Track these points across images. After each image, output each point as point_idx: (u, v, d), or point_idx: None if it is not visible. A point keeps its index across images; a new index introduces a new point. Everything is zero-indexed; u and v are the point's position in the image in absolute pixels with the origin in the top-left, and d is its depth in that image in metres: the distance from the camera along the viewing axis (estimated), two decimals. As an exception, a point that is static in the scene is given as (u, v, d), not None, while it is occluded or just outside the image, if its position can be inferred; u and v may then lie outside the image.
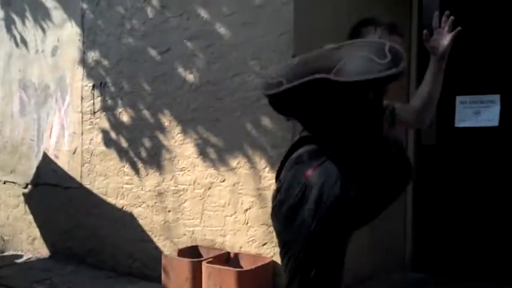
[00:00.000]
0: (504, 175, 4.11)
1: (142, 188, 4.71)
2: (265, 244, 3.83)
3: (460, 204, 4.29)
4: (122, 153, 4.90)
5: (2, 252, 6.21)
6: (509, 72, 4.10)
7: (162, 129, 4.53)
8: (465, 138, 4.21)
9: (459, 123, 4.13)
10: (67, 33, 5.45)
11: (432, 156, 4.39)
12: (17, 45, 6.14)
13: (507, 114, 3.99)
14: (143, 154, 4.71)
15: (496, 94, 4.02)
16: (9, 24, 6.26)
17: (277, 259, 3.74)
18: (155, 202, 4.58)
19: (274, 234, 3.73)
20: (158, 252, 4.47)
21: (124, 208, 4.88)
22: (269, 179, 3.79)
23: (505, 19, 4.17)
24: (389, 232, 4.38)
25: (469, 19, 4.29)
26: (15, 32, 6.17)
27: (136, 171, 4.78)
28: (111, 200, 5.00)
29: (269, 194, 3.79)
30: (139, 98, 4.74)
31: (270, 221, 3.73)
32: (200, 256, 4.12)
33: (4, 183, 6.34)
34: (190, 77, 4.32)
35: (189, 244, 4.26)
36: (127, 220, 4.84)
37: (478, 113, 4.02)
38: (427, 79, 2.47)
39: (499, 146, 4.12)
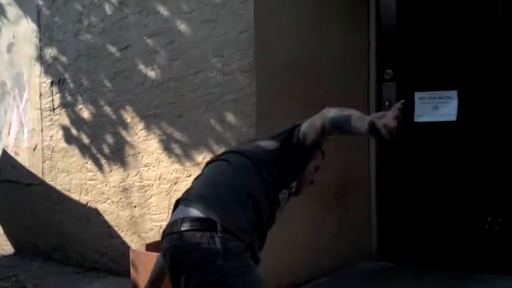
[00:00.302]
0: (462, 166, 4.23)
1: (106, 184, 4.67)
2: (232, 237, 3.87)
3: (422, 196, 4.39)
4: (84, 150, 4.83)
5: (-36, 250, 6.08)
6: (466, 68, 4.20)
7: (124, 125, 4.49)
8: (424, 133, 4.31)
9: (418, 118, 4.23)
10: (23, 30, 5.30)
11: (393, 149, 4.49)
12: (-31, 41, 5.94)
13: (464, 109, 4.10)
14: (106, 150, 4.66)
15: (454, 90, 4.11)
16: (-40, 20, 6.04)
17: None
18: (120, 198, 4.56)
19: (241, 227, 3.82)
20: (125, 247, 4.46)
21: (88, 204, 4.83)
22: (234, 174, 3.83)
23: (461, 15, 4.25)
24: (354, 224, 4.47)
25: (426, 16, 4.41)
26: (-33, 27, 5.96)
27: (99, 167, 4.73)
28: (74, 196, 4.94)
29: (235, 188, 3.83)
30: (100, 95, 4.67)
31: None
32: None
33: (-38, 180, 6.17)
34: (151, 73, 4.28)
35: (157, 239, 4.24)
36: (92, 216, 4.80)
37: (436, 108, 4.14)
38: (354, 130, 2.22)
39: (457, 139, 4.23)
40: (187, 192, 2.30)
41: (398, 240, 4.51)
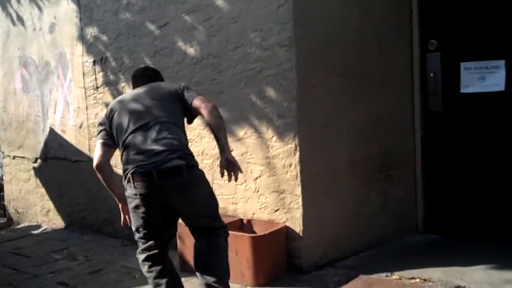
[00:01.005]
0: (510, 137, 4.03)
1: (150, 160, 4.65)
2: (277, 210, 3.81)
3: (468, 168, 4.20)
4: (128, 127, 4.80)
5: (18, 224, 6.20)
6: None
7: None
8: (471, 103, 4.11)
9: (464, 89, 4.03)
10: (63, 10, 5.26)
11: (439, 122, 4.29)
12: (13, 23, 5.94)
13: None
14: (149, 126, 4.62)
15: (501, 59, 3.89)
16: (4, 3, 6.03)
17: (290, 224, 3.74)
18: (165, 173, 4.53)
19: (285, 200, 3.75)
20: (171, 220, 4.45)
21: (134, 179, 4.83)
22: (277, 148, 3.74)
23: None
24: (400, 197, 4.34)
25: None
26: (10, 10, 5.96)
27: (143, 143, 4.70)
28: (120, 172, 4.92)
29: (277, 162, 3.75)
30: (141, 72, 4.61)
31: (280, 188, 3.75)
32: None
33: (14, 158, 6.26)
34: (190, 50, 4.19)
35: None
36: (138, 190, 4.79)
37: (483, 78, 3.93)
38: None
39: (505, 110, 4.01)
40: None
41: (444, 212, 4.35)
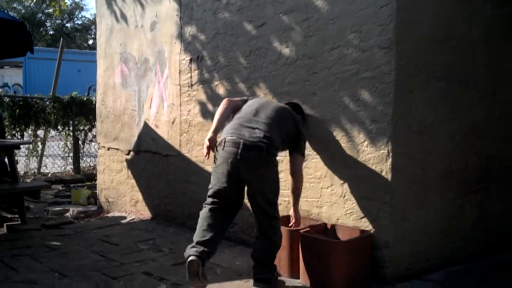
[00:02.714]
0: None
1: (238, 158, 4.62)
2: (363, 217, 3.64)
3: None
4: (219, 124, 4.81)
5: (107, 213, 6.38)
6: None
7: (257, 101, 4.39)
8: None
9: None
10: (164, 9, 5.37)
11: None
12: (117, 20, 6.15)
13: None
14: (239, 125, 4.60)
15: None
16: (109, 0, 6.26)
17: (376, 233, 3.56)
18: (251, 172, 4.48)
19: (373, 207, 3.58)
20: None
21: (221, 177, 4.82)
22: (368, 153, 3.58)
23: None
24: (496, 211, 4.07)
25: None
26: (115, 7, 6.17)
27: (232, 141, 4.69)
28: (208, 168, 4.94)
29: (367, 168, 3.59)
30: (235, 72, 4.61)
31: (369, 195, 3.58)
32: (297, 225, 4.00)
33: (108, 149, 6.47)
34: (286, 51, 4.13)
35: (285, 214, 4.15)
36: (224, 187, 4.78)
37: None
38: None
39: None
40: None
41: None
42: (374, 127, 3.54)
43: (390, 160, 3.47)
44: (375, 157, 3.54)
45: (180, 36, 5.18)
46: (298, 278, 3.70)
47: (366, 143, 3.60)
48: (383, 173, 3.50)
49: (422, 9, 3.55)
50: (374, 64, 3.51)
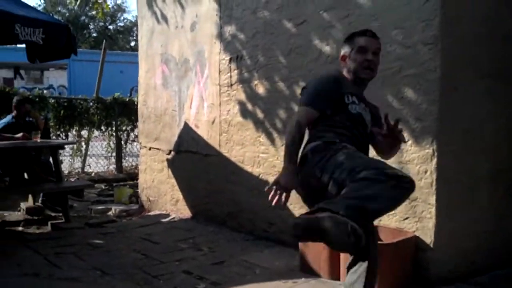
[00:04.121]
0: None
1: (277, 158, 4.58)
2: (406, 218, 3.54)
3: None
4: (258, 124, 4.78)
5: (149, 212, 6.44)
6: None
7: (297, 100, 4.32)
8: None
9: None
10: (204, 9, 5.37)
11: None
12: (158, 21, 6.20)
13: None
14: (279, 125, 4.55)
15: None
16: (150, 1, 6.32)
17: (420, 234, 3.46)
18: (291, 172, 4.43)
19: (416, 208, 3.47)
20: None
21: (260, 176, 4.79)
22: (412, 153, 3.48)
23: None
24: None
25: None
26: (156, 9, 6.22)
27: (272, 141, 4.65)
28: (247, 168, 4.93)
29: (411, 168, 3.49)
30: (275, 71, 4.56)
31: (413, 195, 3.45)
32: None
33: (150, 149, 6.52)
34: (326, 49, 4.06)
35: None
36: (262, 187, 4.67)
37: None
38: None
39: None
40: None
41: None
42: (418, 125, 3.44)
43: (435, 159, 3.36)
44: (420, 156, 3.44)
45: (220, 36, 5.17)
46: (339, 279, 3.63)
47: (410, 142, 3.50)
48: (428, 173, 3.39)
49: (467, 5, 3.43)
50: (418, 61, 3.40)
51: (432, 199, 3.38)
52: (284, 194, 2.50)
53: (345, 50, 2.77)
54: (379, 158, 2.83)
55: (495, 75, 3.57)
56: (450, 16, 3.32)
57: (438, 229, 3.39)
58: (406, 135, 3.49)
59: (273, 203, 2.49)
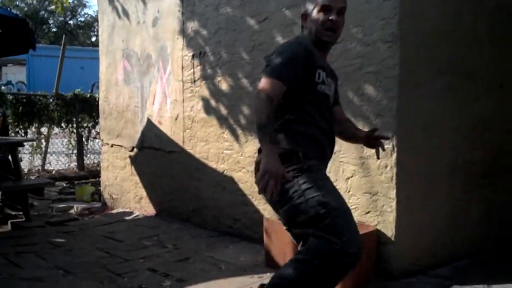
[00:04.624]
0: None
1: (241, 154, 4.58)
2: (368, 212, 3.60)
3: None
4: (222, 120, 4.77)
5: (112, 209, 6.36)
6: None
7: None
8: None
9: None
10: (166, 4, 5.32)
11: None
12: (119, 16, 6.11)
13: None
14: (243, 121, 4.56)
15: None
16: (111, -4, 6.22)
17: (381, 228, 3.52)
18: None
19: (378, 202, 3.53)
20: (258, 215, 4.36)
21: (224, 172, 4.79)
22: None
23: None
24: (503, 206, 4.04)
25: None
26: (116, 3, 6.13)
27: (236, 137, 4.65)
28: (212, 164, 4.92)
29: (372, 163, 3.55)
30: (238, 67, 4.56)
31: (373, 190, 3.54)
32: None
33: (112, 146, 6.44)
34: (289, 45, 4.08)
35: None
36: (227, 183, 4.75)
37: None
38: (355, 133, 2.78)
39: None
40: None
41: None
42: (379, 121, 3.49)
43: (395, 154, 3.42)
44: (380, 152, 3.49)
45: (182, 31, 5.13)
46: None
47: (370, 137, 3.55)
48: (388, 168, 3.46)
49: (426, 2, 3.50)
50: (378, 58, 3.46)
51: (393, 193, 3.45)
52: (277, 183, 2.14)
53: (306, 8, 2.51)
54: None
55: (455, 71, 3.65)
56: (409, 14, 3.38)
57: (399, 222, 3.46)
58: (366, 130, 3.56)
59: (274, 195, 2.15)
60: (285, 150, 2.31)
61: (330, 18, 2.40)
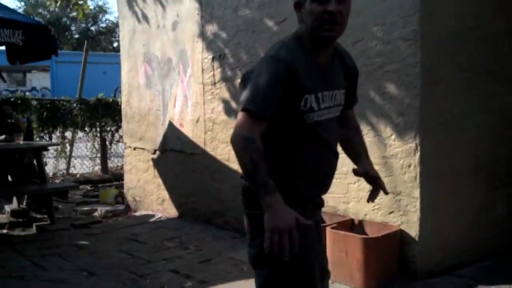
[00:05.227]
0: None
1: (262, 155, 4.56)
2: (391, 212, 3.55)
3: None
4: (243, 122, 4.75)
5: (135, 212, 6.38)
6: None
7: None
8: None
9: None
10: (185, 8, 5.33)
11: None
12: (139, 21, 6.14)
13: None
14: (263, 122, 4.54)
15: None
16: (130, 1, 6.25)
17: (405, 228, 3.47)
18: (276, 169, 4.42)
19: (401, 202, 3.48)
20: (280, 216, 4.32)
21: (246, 174, 4.76)
22: (395, 147, 3.48)
23: None
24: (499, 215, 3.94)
25: None
26: (136, 8, 6.16)
27: (257, 138, 4.62)
28: (233, 166, 4.90)
29: (395, 162, 3.50)
30: (258, 68, 4.54)
31: (397, 189, 3.48)
32: (323, 221, 3.91)
33: (134, 149, 6.46)
34: (308, 45, 4.05)
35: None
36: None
37: None
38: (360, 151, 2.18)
39: None
40: None
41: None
42: (401, 120, 3.44)
43: (418, 153, 3.37)
44: (403, 151, 3.45)
45: (202, 34, 5.13)
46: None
47: (393, 137, 3.50)
48: (411, 167, 3.40)
49: (446, 1, 3.45)
50: (399, 56, 3.41)
51: (416, 193, 3.39)
52: (292, 237, 1.69)
53: None
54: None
55: (476, 69, 3.59)
56: (430, 12, 3.33)
57: (423, 222, 3.40)
58: (389, 130, 3.52)
59: (286, 258, 1.68)
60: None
61: (328, 9, 1.83)
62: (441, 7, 3.41)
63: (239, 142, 1.80)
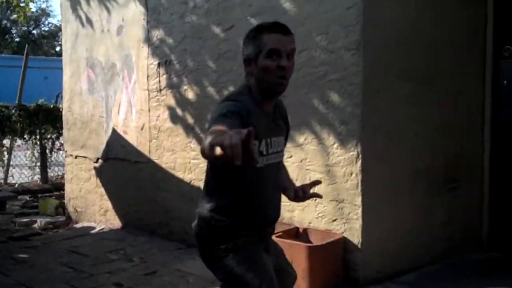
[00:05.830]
0: None
1: (209, 163, 4.62)
2: (335, 220, 3.68)
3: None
4: (189, 129, 4.80)
5: (76, 223, 6.30)
6: None
7: (227, 105, 4.40)
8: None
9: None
10: (131, 13, 5.35)
11: (510, 132, 4.08)
12: (82, 25, 6.10)
13: None
14: (209, 130, 4.60)
15: None
16: (74, 4, 6.21)
17: (348, 235, 3.60)
18: (222, 177, 4.48)
19: (344, 210, 3.61)
20: (226, 225, 4.39)
21: (191, 183, 4.81)
22: (338, 155, 3.62)
23: None
24: (464, 211, 4.16)
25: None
26: (80, 12, 6.12)
27: (203, 146, 4.68)
28: (178, 174, 4.94)
29: (337, 170, 3.63)
30: (204, 75, 4.61)
31: (339, 197, 3.62)
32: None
33: (76, 157, 6.39)
34: (254, 53, 4.15)
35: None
36: (195, 194, 4.75)
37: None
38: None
39: None
40: None
41: (510, 230, 4.10)
42: (344, 129, 3.58)
43: (359, 162, 3.51)
44: (345, 159, 3.58)
45: (148, 40, 5.16)
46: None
47: (336, 145, 3.64)
48: (353, 175, 3.54)
49: (389, 10, 3.62)
50: (342, 65, 3.55)
51: (358, 200, 3.53)
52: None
53: (249, 51, 2.07)
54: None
55: (416, 78, 3.77)
56: (372, 22, 3.49)
57: (365, 229, 3.54)
58: (332, 138, 3.66)
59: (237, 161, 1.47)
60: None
61: (281, 64, 2.02)
62: (383, 17, 3.58)
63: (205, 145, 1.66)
